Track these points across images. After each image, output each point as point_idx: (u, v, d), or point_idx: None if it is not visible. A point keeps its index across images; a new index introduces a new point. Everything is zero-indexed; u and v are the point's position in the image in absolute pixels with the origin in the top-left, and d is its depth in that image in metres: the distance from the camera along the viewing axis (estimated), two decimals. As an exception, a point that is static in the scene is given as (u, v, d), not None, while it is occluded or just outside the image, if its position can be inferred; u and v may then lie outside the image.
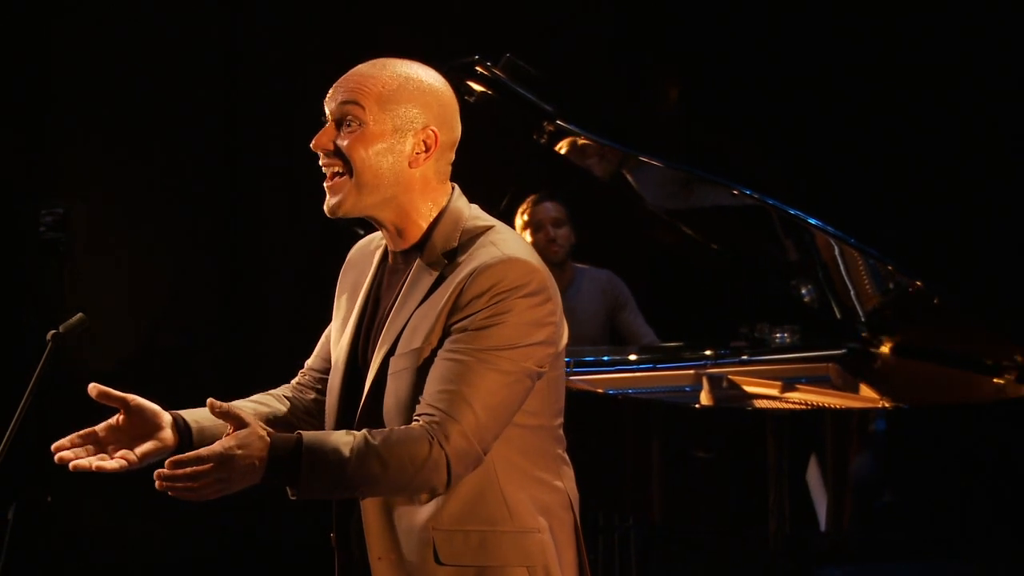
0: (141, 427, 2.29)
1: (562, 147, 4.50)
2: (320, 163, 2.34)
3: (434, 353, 2.26)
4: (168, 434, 2.30)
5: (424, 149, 2.32)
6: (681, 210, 4.91)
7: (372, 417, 2.31)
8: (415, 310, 2.30)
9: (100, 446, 2.27)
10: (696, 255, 5.12)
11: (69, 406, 5.26)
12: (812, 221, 4.20)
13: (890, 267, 4.23)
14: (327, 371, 2.48)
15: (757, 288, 5.17)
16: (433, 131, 2.33)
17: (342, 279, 2.52)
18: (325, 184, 2.34)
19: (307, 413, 2.52)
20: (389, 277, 2.40)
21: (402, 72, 2.33)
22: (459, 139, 2.39)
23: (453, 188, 2.39)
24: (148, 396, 2.31)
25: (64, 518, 5.37)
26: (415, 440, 2.19)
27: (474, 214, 2.37)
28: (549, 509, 2.36)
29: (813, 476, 3.84)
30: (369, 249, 2.49)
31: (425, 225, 2.34)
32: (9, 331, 5.40)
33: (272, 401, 2.51)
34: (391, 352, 2.30)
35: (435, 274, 2.31)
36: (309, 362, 2.58)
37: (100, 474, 2.24)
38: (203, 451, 2.10)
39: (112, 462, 2.24)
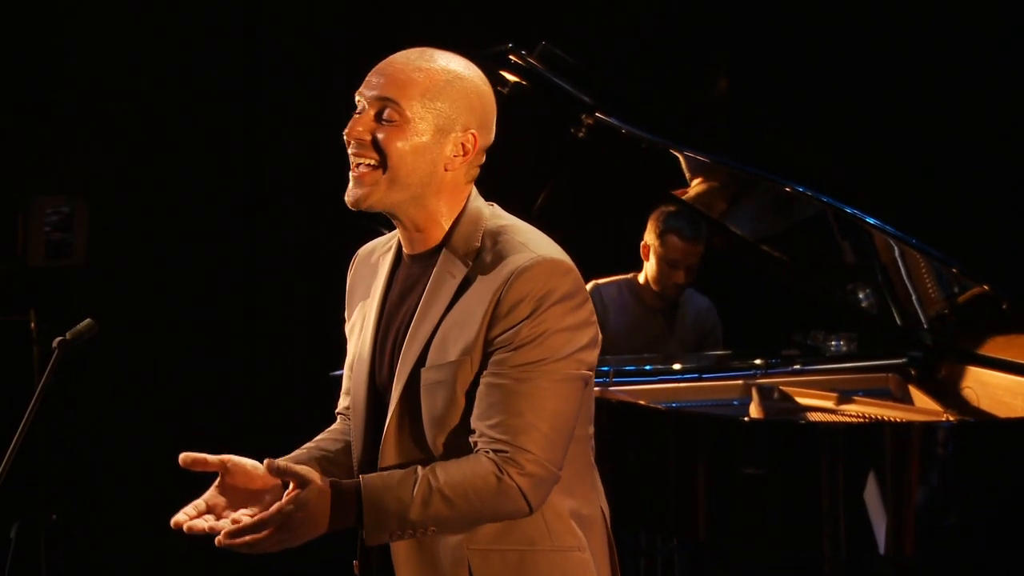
0: (245, 485, 2.31)
1: (605, 144, 4.49)
2: (350, 152, 2.32)
3: (477, 370, 2.26)
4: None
5: (462, 152, 2.33)
6: (730, 209, 4.90)
7: (401, 434, 2.30)
8: (442, 318, 2.29)
9: (213, 514, 2.28)
10: (745, 257, 5.10)
11: (77, 418, 5.29)
12: (870, 220, 4.17)
13: (955, 269, 4.20)
14: None
15: (811, 293, 5.14)
16: (473, 135, 2.33)
17: (349, 299, 2.51)
18: (351, 174, 2.32)
19: None
20: (403, 283, 2.39)
21: (450, 68, 2.33)
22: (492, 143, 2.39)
23: (471, 188, 2.39)
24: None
25: (68, 537, 5.39)
26: (480, 475, 2.21)
27: (495, 213, 2.38)
28: (586, 522, 2.37)
29: (871, 495, 3.81)
30: (372, 260, 2.49)
31: (446, 226, 2.35)
32: (13, 337, 5.42)
33: (332, 444, 2.50)
34: (420, 364, 2.29)
35: (458, 278, 2.30)
36: (342, 403, 2.57)
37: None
38: (262, 516, 2.15)
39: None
